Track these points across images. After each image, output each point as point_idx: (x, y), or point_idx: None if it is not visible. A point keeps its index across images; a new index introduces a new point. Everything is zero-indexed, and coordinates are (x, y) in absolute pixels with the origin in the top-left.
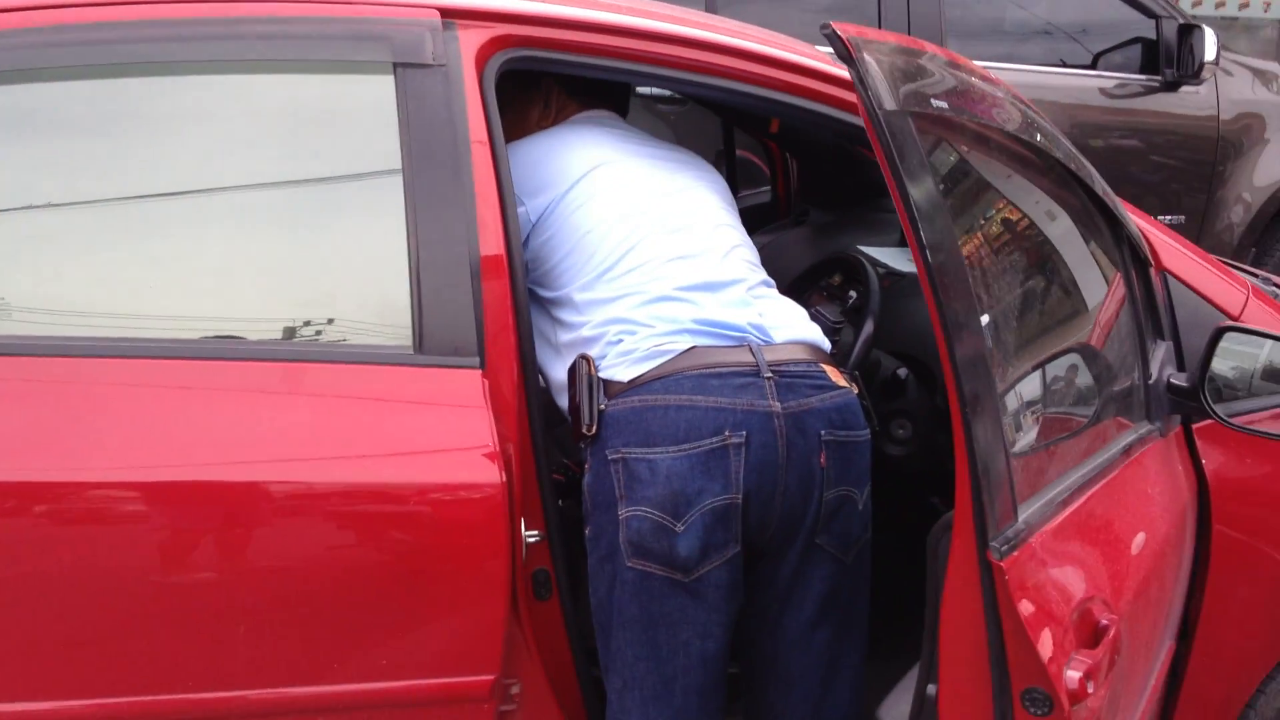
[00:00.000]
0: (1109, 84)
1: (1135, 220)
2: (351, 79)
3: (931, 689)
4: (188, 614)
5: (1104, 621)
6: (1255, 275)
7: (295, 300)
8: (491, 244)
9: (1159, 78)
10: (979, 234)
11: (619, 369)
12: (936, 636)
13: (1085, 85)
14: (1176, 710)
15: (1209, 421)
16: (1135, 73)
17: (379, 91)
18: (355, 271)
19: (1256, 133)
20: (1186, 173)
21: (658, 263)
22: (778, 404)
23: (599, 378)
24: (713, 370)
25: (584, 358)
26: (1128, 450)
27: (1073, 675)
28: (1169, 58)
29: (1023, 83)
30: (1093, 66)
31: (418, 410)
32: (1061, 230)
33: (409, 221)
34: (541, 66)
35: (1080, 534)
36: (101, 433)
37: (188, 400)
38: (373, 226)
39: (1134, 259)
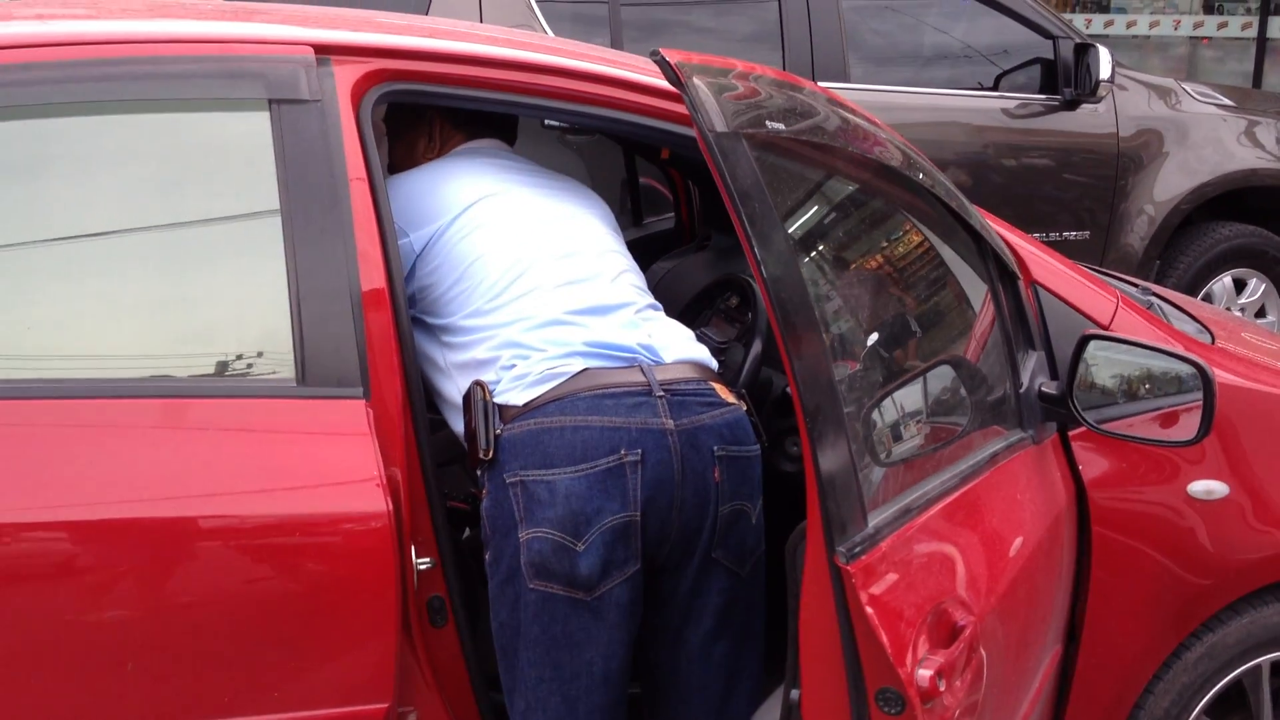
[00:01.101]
0: (1011, 104)
1: (1004, 234)
2: (228, 116)
3: (795, 693)
4: (77, 651)
5: (961, 621)
6: (1134, 285)
7: (177, 336)
8: (372, 276)
9: (1059, 97)
10: (826, 250)
11: (513, 393)
12: (796, 641)
13: (989, 107)
14: (1067, 713)
15: (1084, 428)
16: (1036, 93)
17: (255, 128)
18: (236, 306)
19: (1155, 147)
20: (1091, 189)
21: (547, 288)
22: (670, 421)
23: (494, 403)
24: (606, 391)
25: (479, 384)
26: (994, 457)
27: (924, 674)
28: (1067, 77)
29: (928, 105)
30: (995, 88)
31: (302, 441)
32: (918, 246)
33: (288, 255)
34: (417, 99)
35: (938, 538)
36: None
37: (71, 438)
38: (252, 261)
39: (1000, 272)
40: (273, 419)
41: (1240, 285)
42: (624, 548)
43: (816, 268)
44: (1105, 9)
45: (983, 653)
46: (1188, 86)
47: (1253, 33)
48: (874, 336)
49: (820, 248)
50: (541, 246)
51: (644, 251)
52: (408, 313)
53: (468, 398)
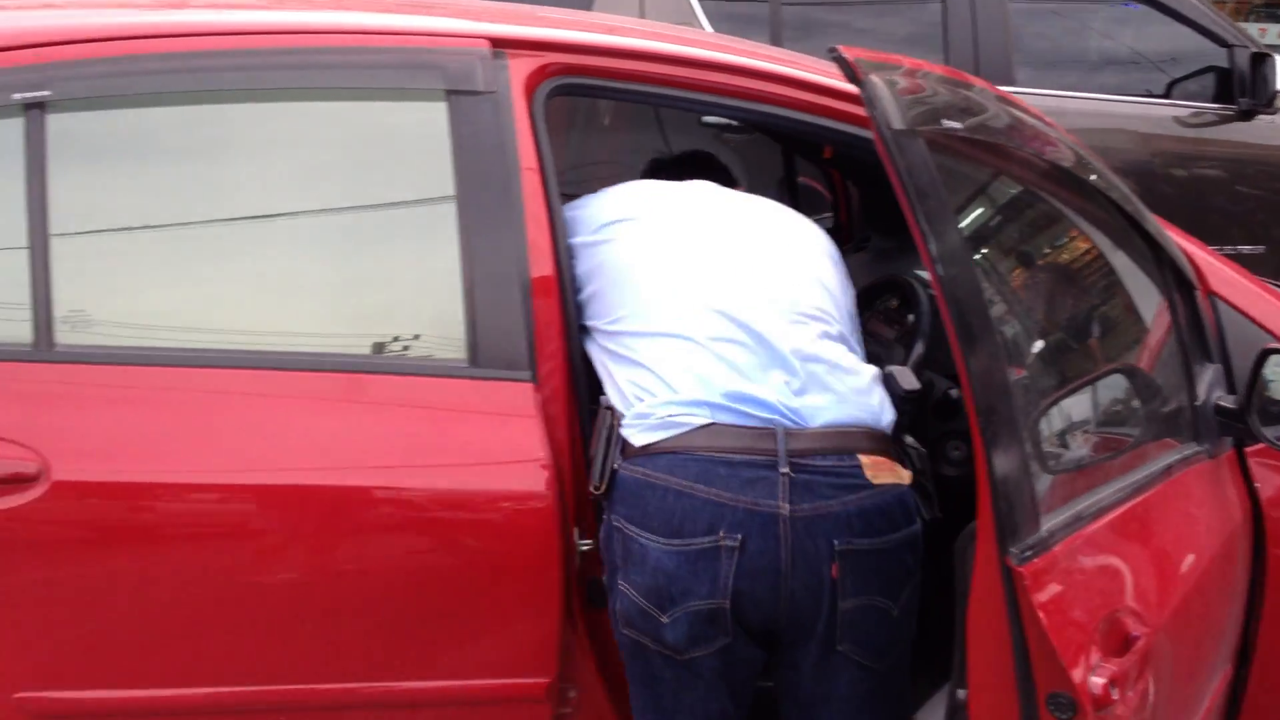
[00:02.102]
0: (1184, 113)
1: (1181, 243)
2: (407, 106)
3: (961, 694)
4: (262, 611)
5: (1134, 632)
6: None
7: (357, 314)
8: (541, 264)
9: (1234, 107)
10: (998, 252)
11: (634, 431)
12: (964, 642)
13: (1160, 114)
14: None
15: (1262, 445)
16: (1210, 102)
17: (433, 117)
18: (412, 288)
19: None
20: (1266, 202)
21: (704, 311)
22: (786, 505)
23: (619, 433)
24: (723, 456)
25: (610, 409)
26: (1168, 470)
27: (1097, 681)
28: (1242, 87)
29: (1095, 111)
30: (1167, 96)
31: (471, 420)
32: (1091, 251)
33: (462, 241)
34: (587, 93)
35: (1112, 547)
36: (184, 438)
37: (259, 406)
38: (429, 245)
39: (1176, 282)
40: (444, 397)
41: None
42: (711, 628)
43: (988, 269)
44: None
45: (1154, 668)
46: None
47: None
48: (1044, 341)
49: (992, 249)
50: (716, 266)
51: None
52: (574, 301)
53: (596, 420)
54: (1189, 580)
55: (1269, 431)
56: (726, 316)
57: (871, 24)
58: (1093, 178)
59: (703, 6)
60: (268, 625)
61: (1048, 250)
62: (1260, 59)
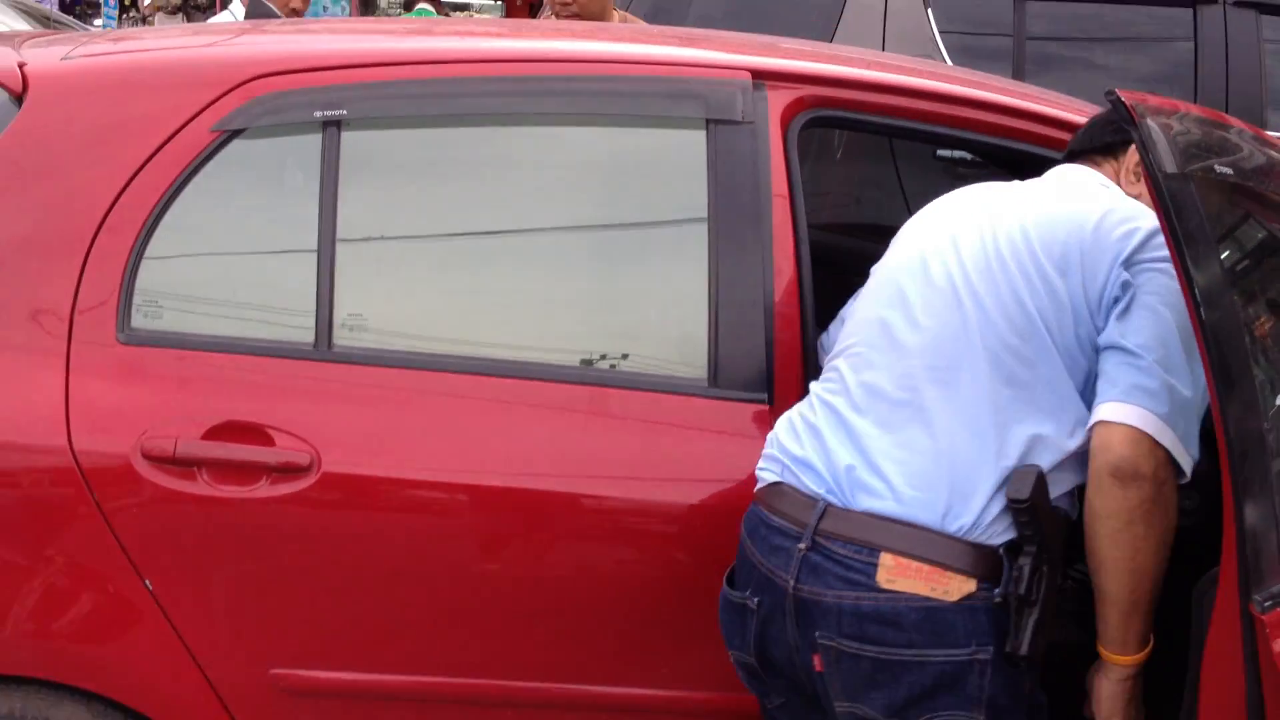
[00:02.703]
0: None
1: None
2: (669, 133)
3: None
4: (494, 608)
5: None
6: None
7: (606, 331)
8: (786, 290)
9: None
10: (1261, 301)
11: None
12: (1198, 686)
13: None
14: None
15: None
16: None
17: (693, 143)
18: (661, 306)
19: None
20: None
21: (842, 358)
22: (792, 581)
23: None
24: (769, 517)
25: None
26: None
27: None
28: None
29: None
30: None
31: (710, 438)
32: None
33: (711, 264)
34: (841, 125)
35: None
36: (436, 437)
37: (510, 413)
38: (678, 267)
39: None
40: (685, 415)
41: None
42: (755, 682)
43: (1249, 317)
44: None
45: None
46: None
47: None
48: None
49: (1256, 297)
50: (884, 318)
51: None
52: (814, 329)
53: None
54: None
55: None
56: (837, 371)
57: (1119, 61)
58: None
59: (944, 39)
60: (504, 621)
61: None
62: None
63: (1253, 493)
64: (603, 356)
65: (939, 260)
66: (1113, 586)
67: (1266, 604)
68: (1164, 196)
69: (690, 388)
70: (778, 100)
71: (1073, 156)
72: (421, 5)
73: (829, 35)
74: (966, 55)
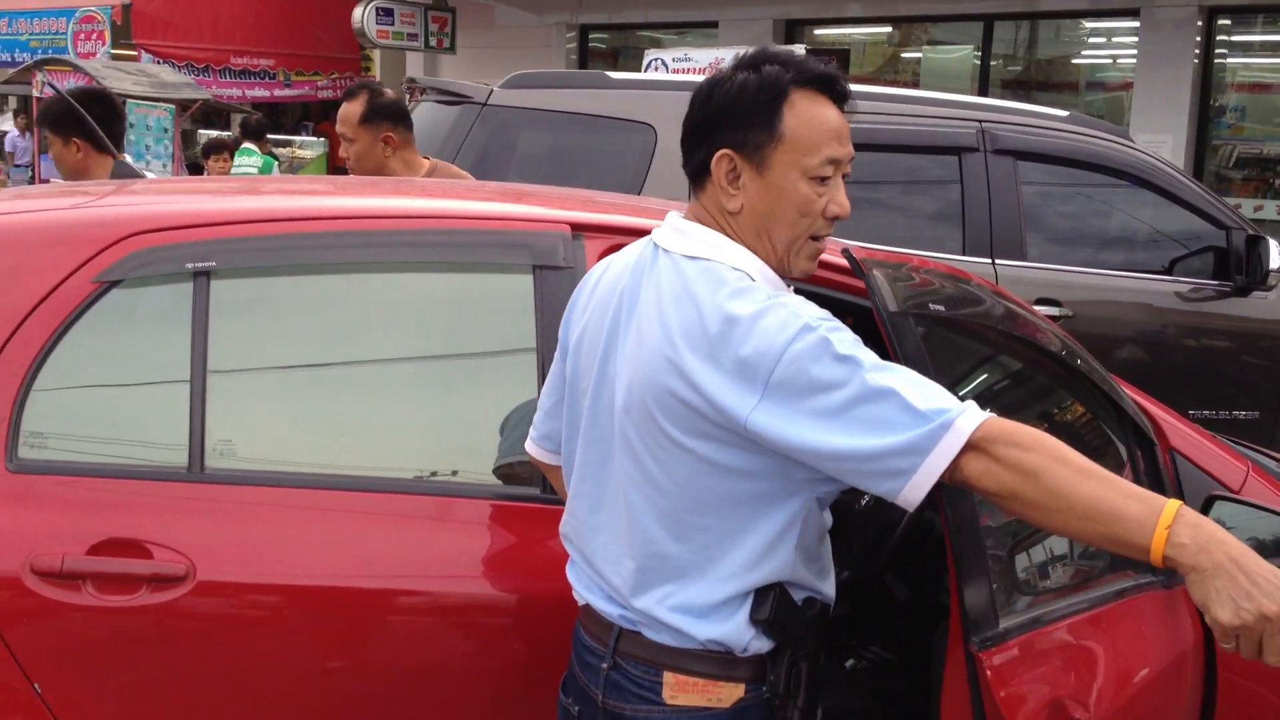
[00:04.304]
0: (1185, 289)
1: (1147, 407)
2: (502, 277)
3: None
4: (359, 699)
5: (1076, 715)
6: (1273, 457)
7: (449, 448)
8: None
9: (1230, 284)
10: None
11: None
12: (939, 715)
13: (1163, 289)
14: None
15: None
16: (1209, 279)
17: (521, 287)
18: (497, 427)
19: None
20: (1262, 371)
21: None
22: (600, 695)
23: None
24: (582, 635)
25: None
26: (1121, 593)
27: None
28: (1239, 265)
29: (1104, 285)
30: (1170, 272)
31: (541, 540)
32: (1068, 413)
33: (539, 390)
34: None
35: (1064, 649)
36: (300, 546)
37: (361, 523)
38: (512, 392)
39: (1138, 439)
40: (521, 520)
41: None
42: None
43: None
44: None
45: None
46: None
47: None
48: None
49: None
50: None
51: None
52: None
53: None
54: (1134, 686)
55: None
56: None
57: (900, 200)
58: (1070, 356)
59: None
60: (368, 710)
61: (1027, 411)
62: (1255, 241)
63: (967, 560)
64: (446, 470)
65: None
66: (1082, 527)
67: (982, 643)
68: (888, 328)
69: (524, 496)
70: (593, 248)
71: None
72: (247, 145)
73: (640, 182)
74: None
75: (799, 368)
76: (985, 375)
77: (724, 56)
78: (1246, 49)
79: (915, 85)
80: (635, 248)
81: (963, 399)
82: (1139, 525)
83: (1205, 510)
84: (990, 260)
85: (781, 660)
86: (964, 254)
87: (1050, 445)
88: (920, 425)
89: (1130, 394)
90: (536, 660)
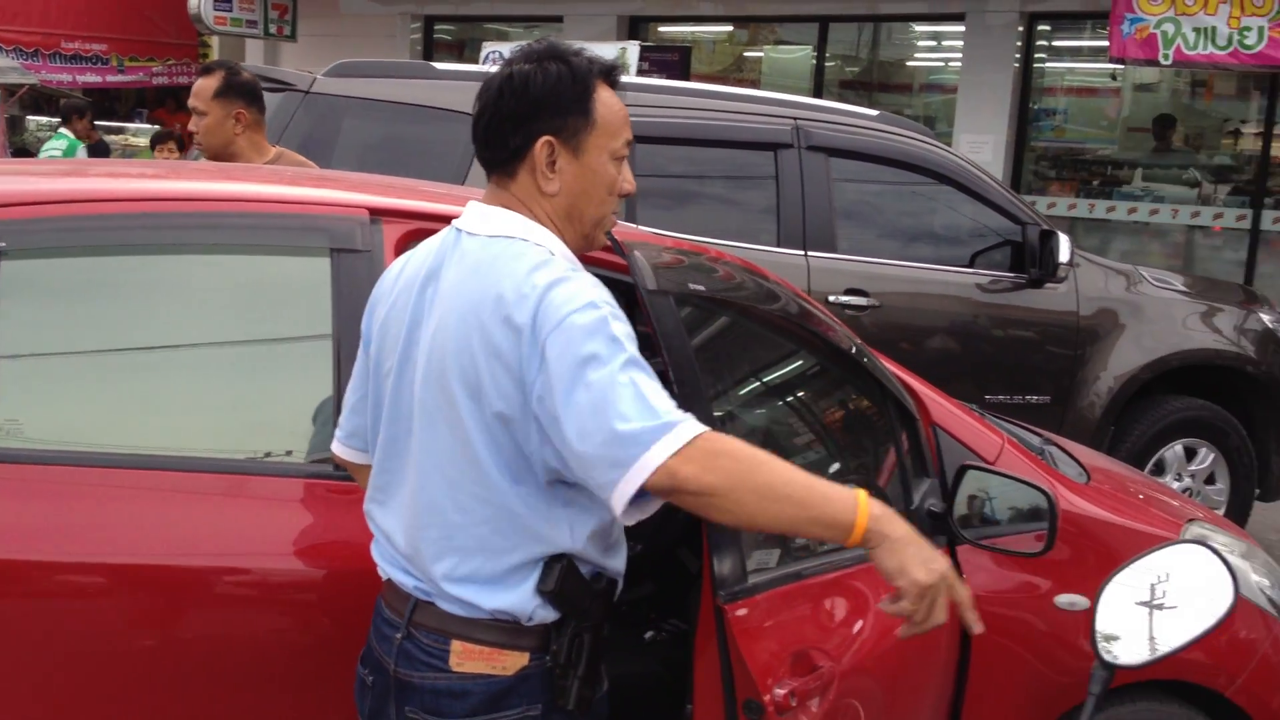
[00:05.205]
0: (984, 280)
1: (911, 383)
2: (300, 260)
3: (688, 708)
4: (161, 677)
5: (820, 664)
6: (1038, 435)
7: (250, 427)
8: None
9: (1025, 276)
10: (738, 382)
11: None
12: (694, 667)
13: (964, 281)
14: None
15: (968, 545)
16: (1006, 271)
17: (319, 270)
18: (297, 404)
19: (1112, 325)
20: (1053, 359)
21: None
22: (393, 664)
23: None
24: (382, 608)
25: None
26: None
27: (780, 692)
28: (1033, 259)
29: (909, 277)
30: (970, 265)
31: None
32: (827, 389)
33: (335, 369)
34: None
35: (812, 603)
36: (96, 525)
37: (160, 501)
38: (310, 371)
39: (899, 413)
40: (321, 497)
41: (1191, 453)
42: None
43: (734, 398)
44: (1108, 196)
45: (856, 703)
46: (1146, 272)
47: (1248, 224)
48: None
49: (739, 383)
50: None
51: None
52: None
53: None
54: (883, 641)
55: (968, 533)
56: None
57: (718, 194)
58: (833, 336)
59: None
60: (169, 687)
61: (789, 385)
62: (1047, 235)
63: (717, 527)
64: (247, 449)
65: None
66: (796, 513)
67: (729, 597)
68: (647, 306)
69: (324, 474)
70: (392, 232)
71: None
72: (62, 130)
73: (464, 172)
74: None
75: (570, 336)
76: (757, 354)
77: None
78: (1065, 54)
79: (757, 84)
80: (438, 236)
81: (736, 378)
82: (845, 505)
83: (958, 479)
84: (803, 252)
85: (566, 631)
86: (779, 246)
87: (756, 450)
88: (650, 420)
89: (896, 372)
90: (344, 636)
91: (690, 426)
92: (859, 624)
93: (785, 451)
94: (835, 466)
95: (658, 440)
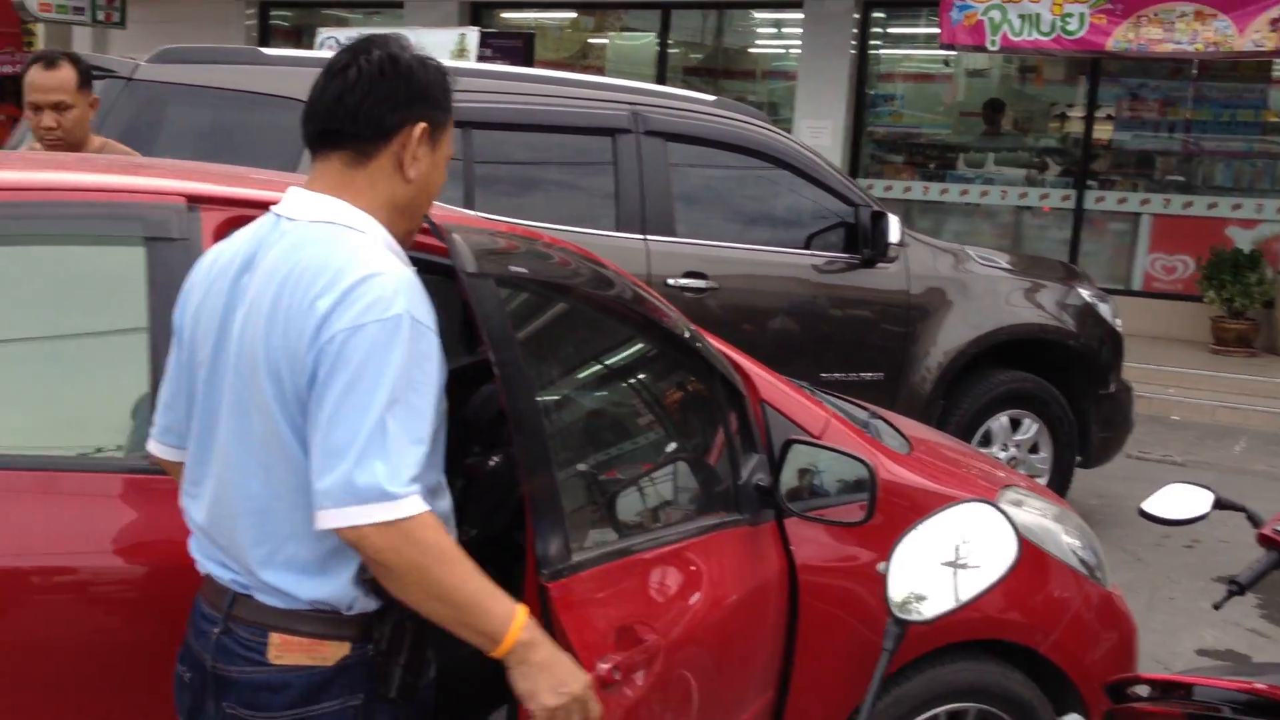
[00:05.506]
0: (820, 261)
1: (740, 362)
2: (114, 249)
3: None
4: None
5: (645, 638)
6: (865, 409)
7: (58, 423)
8: None
9: (858, 256)
10: (572, 367)
11: None
12: None
13: (800, 262)
14: None
15: (795, 517)
16: (840, 252)
17: (133, 259)
18: (107, 399)
19: (940, 303)
20: (885, 336)
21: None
22: (210, 659)
23: None
24: (200, 604)
25: None
26: (703, 531)
27: (603, 666)
28: (865, 239)
29: (747, 259)
30: (807, 247)
31: (164, 511)
32: (651, 365)
33: (150, 361)
34: None
35: (638, 579)
36: None
37: None
38: (124, 362)
39: (727, 392)
40: (142, 493)
41: (1016, 424)
42: None
43: (567, 383)
44: (942, 178)
45: (687, 673)
46: (973, 251)
47: (1072, 204)
48: (588, 423)
49: (573, 368)
50: None
51: (475, 378)
52: None
53: None
54: (722, 609)
55: (796, 505)
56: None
57: (557, 179)
58: (661, 317)
59: None
60: None
61: (614, 366)
62: (879, 217)
63: (540, 498)
64: (62, 445)
65: None
66: (455, 615)
67: (552, 576)
68: (467, 288)
69: (142, 469)
70: (211, 220)
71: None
72: None
73: (295, 159)
74: None
75: (359, 344)
76: (591, 339)
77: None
78: (900, 41)
79: (602, 71)
80: (255, 223)
81: (570, 364)
82: (499, 622)
83: (784, 454)
84: (643, 237)
85: (388, 619)
86: (618, 231)
87: (448, 550)
88: (380, 480)
89: (726, 352)
90: (169, 634)
91: (408, 506)
92: (690, 596)
93: (619, 434)
94: (671, 446)
95: (372, 503)
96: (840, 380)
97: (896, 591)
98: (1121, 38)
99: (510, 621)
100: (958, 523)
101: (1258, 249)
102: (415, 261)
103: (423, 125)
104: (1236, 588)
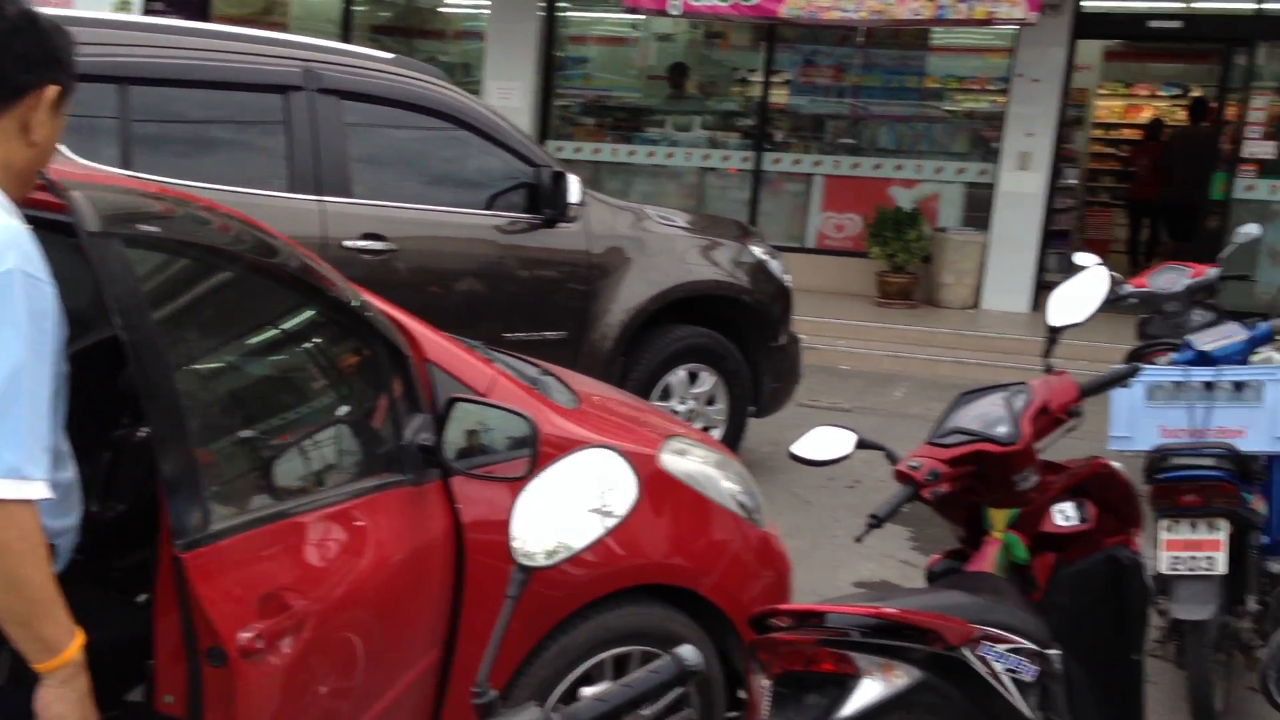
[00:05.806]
0: (502, 222)
1: (405, 322)
2: None
3: (149, 663)
4: None
5: (292, 604)
6: (535, 366)
7: None
8: None
9: (540, 216)
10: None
11: None
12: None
13: (483, 223)
14: (445, 703)
15: (461, 475)
16: (522, 212)
17: None
18: None
19: (620, 262)
20: (567, 294)
21: None
22: None
23: None
24: None
25: None
26: (362, 493)
27: (245, 635)
28: (546, 200)
29: (430, 220)
30: (489, 207)
31: None
32: (311, 331)
33: None
34: None
35: (289, 544)
36: None
37: None
38: None
39: (390, 354)
40: None
41: (694, 377)
42: None
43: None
44: (630, 140)
45: (349, 634)
46: (651, 210)
47: (751, 165)
48: (254, 395)
49: (218, 333)
50: None
51: None
52: None
53: None
54: (374, 573)
55: (459, 463)
56: None
57: (223, 138)
58: (316, 278)
59: None
60: None
61: (295, 340)
62: (559, 177)
63: (172, 466)
64: None
65: None
66: (25, 609)
67: (188, 545)
68: (89, 249)
69: None
70: None
71: None
72: None
73: None
74: (79, 137)
75: None
76: (243, 303)
77: None
78: (588, 4)
79: (285, 28)
80: None
81: (229, 332)
82: (63, 636)
83: (448, 411)
84: (317, 198)
85: None
86: (291, 192)
87: (35, 547)
88: None
89: (391, 313)
90: None
91: (10, 489)
92: (350, 558)
93: (279, 401)
94: (333, 411)
95: None
96: (524, 340)
97: (520, 539)
98: (794, 5)
99: (72, 639)
100: (585, 469)
101: (917, 208)
102: (44, 223)
103: (55, 88)
104: (875, 520)
